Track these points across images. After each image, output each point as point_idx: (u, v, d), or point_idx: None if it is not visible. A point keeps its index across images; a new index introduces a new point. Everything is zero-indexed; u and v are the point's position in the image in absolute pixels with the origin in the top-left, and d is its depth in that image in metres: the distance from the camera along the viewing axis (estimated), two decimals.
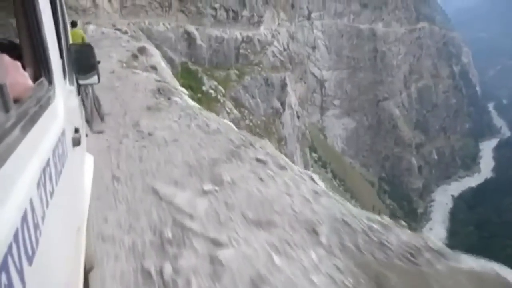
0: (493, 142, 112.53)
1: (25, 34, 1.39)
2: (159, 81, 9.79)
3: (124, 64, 11.05)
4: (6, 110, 0.84)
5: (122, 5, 20.00)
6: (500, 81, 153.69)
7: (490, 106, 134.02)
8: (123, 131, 6.04)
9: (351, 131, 76.57)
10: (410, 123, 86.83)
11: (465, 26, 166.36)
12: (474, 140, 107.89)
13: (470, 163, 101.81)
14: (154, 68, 11.56)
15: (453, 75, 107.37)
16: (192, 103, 8.28)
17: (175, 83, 11.13)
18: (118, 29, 18.15)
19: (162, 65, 13.12)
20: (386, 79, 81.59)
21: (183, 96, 8.74)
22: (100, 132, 6.14)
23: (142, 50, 13.27)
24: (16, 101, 1.00)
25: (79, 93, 2.56)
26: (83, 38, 7.95)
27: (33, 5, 1.37)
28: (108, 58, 11.10)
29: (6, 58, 1.14)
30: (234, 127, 6.79)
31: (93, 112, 6.60)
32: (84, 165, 2.28)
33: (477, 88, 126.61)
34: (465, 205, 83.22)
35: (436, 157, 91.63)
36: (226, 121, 7.65)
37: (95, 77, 2.38)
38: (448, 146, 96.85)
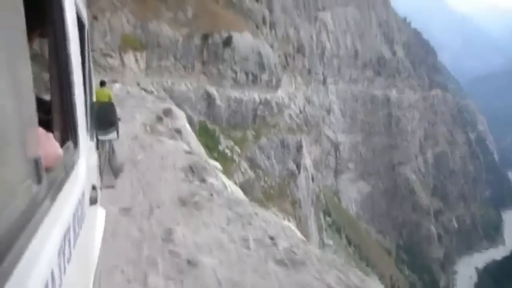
0: None
1: (57, 97, 1.40)
2: (189, 152, 8.97)
3: (148, 128, 10.49)
4: (39, 182, 0.86)
5: (148, 65, 20.95)
6: None
7: (510, 174, 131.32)
8: (148, 251, 3.84)
9: (366, 195, 75.09)
10: (427, 189, 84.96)
11: (479, 95, 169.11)
12: (495, 209, 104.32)
13: (493, 233, 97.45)
14: (179, 131, 11.23)
15: (469, 141, 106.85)
16: (234, 187, 7.72)
17: (202, 151, 10.76)
18: (144, 89, 18.40)
19: (187, 128, 12.79)
20: (401, 143, 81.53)
21: (218, 175, 8.02)
22: (110, 187, 5.74)
23: (167, 112, 12.94)
24: (48, 171, 1.02)
25: (97, 147, 2.60)
26: (109, 97, 8.25)
27: (66, 64, 1.38)
28: (132, 119, 10.64)
29: (40, 130, 1.12)
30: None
31: (105, 165, 6.29)
32: (97, 221, 2.29)
33: (495, 156, 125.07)
34: (490, 279, 78.34)
35: (456, 225, 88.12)
36: (299, 234, 6.23)
37: (115, 133, 2.46)
38: (468, 214, 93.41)
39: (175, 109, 14.68)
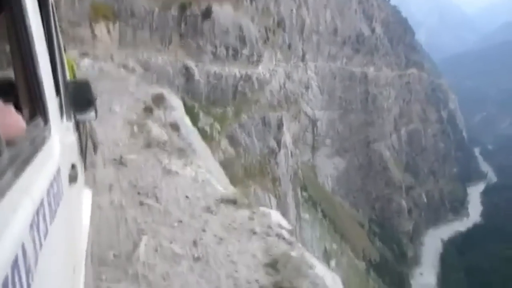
0: (480, 186, 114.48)
1: (20, 72, 1.38)
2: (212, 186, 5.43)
3: (136, 129, 7.43)
4: None
5: (121, 37, 19.67)
6: (485, 127, 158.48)
7: (476, 151, 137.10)
8: None
9: (342, 171, 76.59)
10: (400, 166, 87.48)
11: (452, 73, 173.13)
12: (461, 184, 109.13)
13: (459, 207, 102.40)
14: (176, 127, 8.44)
15: (441, 120, 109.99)
16: None
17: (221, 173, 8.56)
18: (124, 66, 15.42)
19: (186, 122, 9.89)
20: (377, 121, 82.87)
21: None
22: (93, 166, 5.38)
23: (158, 100, 9.86)
24: (9, 143, 1.03)
25: (77, 128, 2.56)
26: (73, 70, 7.39)
27: (28, 40, 1.34)
28: (110, 114, 7.95)
29: None
30: None
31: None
32: (81, 201, 2.25)
33: (464, 134, 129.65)
34: (455, 250, 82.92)
35: (425, 200, 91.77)
36: None
37: (93, 113, 2.40)
38: (437, 189, 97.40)
39: (167, 94, 11.40)
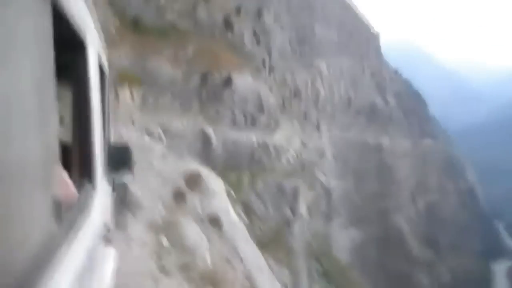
0: (507, 264, 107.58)
1: (77, 137, 1.50)
2: None
3: (165, 242, 5.16)
4: (58, 222, 0.92)
5: (143, 102, 20.13)
6: (508, 200, 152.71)
7: (500, 226, 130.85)
8: None
9: (358, 242, 73.34)
10: (419, 239, 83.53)
11: (466, 145, 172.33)
12: (486, 262, 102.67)
13: (485, 286, 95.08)
14: (216, 222, 6.27)
15: (459, 191, 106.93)
16: None
17: None
18: (147, 132, 14.05)
19: (231, 213, 7.59)
20: (393, 191, 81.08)
21: None
22: (123, 227, 5.05)
23: (194, 182, 7.56)
24: (65, 210, 1.09)
25: (113, 189, 2.59)
26: None
27: (87, 109, 1.46)
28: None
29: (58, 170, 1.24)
30: None
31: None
32: (108, 260, 2.27)
33: (485, 207, 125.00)
34: None
35: (448, 278, 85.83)
36: None
37: (129, 177, 2.50)
38: (461, 267, 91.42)
39: (204, 172, 9.02)
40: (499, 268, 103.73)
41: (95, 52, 1.59)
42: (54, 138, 0.89)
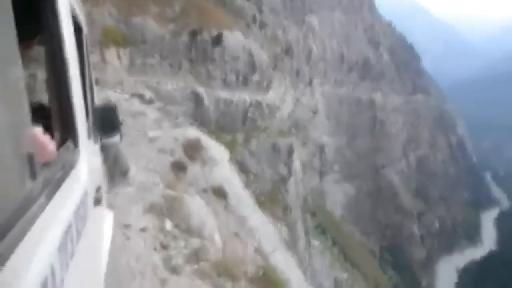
0: (494, 212, 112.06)
1: (54, 96, 1.45)
2: None
3: (169, 225, 4.51)
4: (33, 177, 0.91)
5: (131, 63, 19.58)
6: (495, 153, 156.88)
7: (488, 177, 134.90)
8: None
9: (351, 197, 75.48)
10: (410, 191, 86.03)
11: (458, 99, 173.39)
12: (474, 211, 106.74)
13: (473, 234, 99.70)
14: (221, 193, 5.73)
15: (450, 145, 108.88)
16: None
17: None
18: (138, 95, 12.18)
19: (235, 182, 6.93)
20: (385, 146, 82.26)
21: None
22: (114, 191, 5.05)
23: (194, 150, 6.73)
24: (42, 166, 1.07)
25: (102, 150, 2.62)
26: None
27: (64, 66, 1.42)
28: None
29: (33, 128, 1.22)
30: None
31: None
32: (103, 223, 2.33)
33: (474, 159, 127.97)
34: (470, 279, 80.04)
35: (438, 226, 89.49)
36: None
37: (117, 137, 2.46)
38: (450, 216, 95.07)
39: (205, 140, 8.14)
40: (487, 216, 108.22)
41: (67, 5, 1.50)
42: (21, 95, 0.84)
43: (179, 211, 4.88)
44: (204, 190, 5.74)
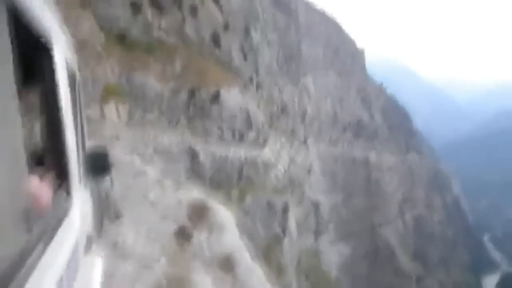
0: (495, 277, 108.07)
1: (49, 144, 1.46)
2: None
3: None
4: (29, 230, 0.90)
5: (130, 118, 19.77)
6: (492, 213, 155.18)
7: (486, 238, 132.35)
8: None
9: (347, 257, 72.98)
10: (408, 253, 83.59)
11: (451, 160, 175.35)
12: (475, 274, 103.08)
13: None
14: (228, 266, 4.93)
15: (446, 205, 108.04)
16: None
17: None
18: (138, 153, 11.59)
19: (245, 254, 6.13)
20: (381, 205, 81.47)
21: None
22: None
23: (199, 215, 6.10)
24: (37, 216, 1.06)
25: (91, 194, 2.56)
26: None
27: (57, 116, 1.40)
28: (115, 259, 4.29)
29: (31, 179, 1.22)
30: None
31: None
32: (93, 271, 2.28)
33: (470, 220, 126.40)
34: None
35: None
36: None
37: (109, 182, 2.49)
38: (450, 281, 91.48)
39: (211, 202, 7.41)
40: (488, 281, 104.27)
41: (62, 55, 1.53)
42: (19, 144, 0.83)
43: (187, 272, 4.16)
44: (210, 263, 5.04)
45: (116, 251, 4.58)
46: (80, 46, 16.65)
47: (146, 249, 4.92)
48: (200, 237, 5.69)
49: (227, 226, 6.60)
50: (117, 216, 4.60)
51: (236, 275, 5.09)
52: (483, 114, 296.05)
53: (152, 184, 7.89)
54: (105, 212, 4.98)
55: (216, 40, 27.93)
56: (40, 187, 1.20)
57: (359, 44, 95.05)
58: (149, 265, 4.58)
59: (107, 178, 2.44)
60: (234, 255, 5.54)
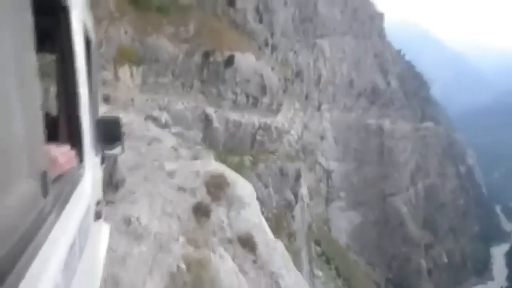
0: (504, 247, 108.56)
1: (63, 109, 1.48)
2: None
3: None
4: (45, 195, 0.93)
5: (143, 81, 19.56)
6: (506, 184, 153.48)
7: (498, 209, 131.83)
8: None
9: (357, 225, 73.90)
10: (418, 222, 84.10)
11: (467, 129, 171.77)
12: (484, 244, 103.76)
13: (482, 269, 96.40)
14: (249, 245, 4.66)
15: (459, 175, 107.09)
16: None
17: None
18: (152, 118, 11.49)
19: (267, 232, 5.60)
20: (393, 174, 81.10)
21: None
22: (111, 202, 4.74)
23: (218, 188, 5.77)
24: (53, 181, 1.10)
25: (102, 162, 2.59)
26: None
27: (73, 80, 1.43)
28: (126, 236, 4.18)
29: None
30: None
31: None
32: (101, 237, 2.29)
33: (483, 190, 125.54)
34: None
35: (446, 260, 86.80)
36: None
37: (120, 148, 2.45)
38: (458, 249, 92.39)
39: (231, 176, 6.66)
40: (497, 251, 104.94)
41: (79, 17, 1.50)
42: (38, 109, 0.84)
43: (205, 282, 3.81)
44: (230, 240, 4.67)
45: (128, 233, 4.21)
46: (93, 4, 16.18)
47: (162, 227, 4.50)
48: (219, 213, 5.18)
49: (248, 201, 5.89)
50: (128, 189, 4.45)
51: (257, 253, 4.72)
52: (505, 84, 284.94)
53: (168, 152, 7.63)
54: (111, 178, 4.85)
55: (230, 0, 26.94)
56: (57, 151, 1.20)
57: (378, 7, 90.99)
58: (165, 247, 4.13)
59: (119, 145, 2.35)
60: (255, 232, 5.03)
